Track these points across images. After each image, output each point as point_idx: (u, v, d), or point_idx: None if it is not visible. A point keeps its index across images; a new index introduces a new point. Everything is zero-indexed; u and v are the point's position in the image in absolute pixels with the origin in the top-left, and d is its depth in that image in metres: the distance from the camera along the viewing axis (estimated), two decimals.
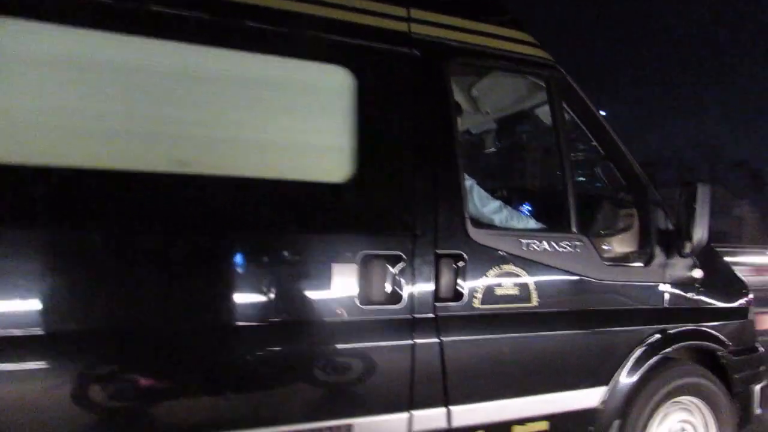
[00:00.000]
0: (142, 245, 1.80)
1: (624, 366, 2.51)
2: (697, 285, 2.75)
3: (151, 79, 1.86)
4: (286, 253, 1.97)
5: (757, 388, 2.97)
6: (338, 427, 1.98)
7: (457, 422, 2.17)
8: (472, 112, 3.36)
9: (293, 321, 1.96)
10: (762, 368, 3.04)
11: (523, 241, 2.31)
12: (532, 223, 2.58)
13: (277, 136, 2.03)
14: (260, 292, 1.93)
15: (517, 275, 2.29)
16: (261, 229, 1.95)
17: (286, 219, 1.99)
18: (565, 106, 2.58)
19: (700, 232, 2.50)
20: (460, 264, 2.18)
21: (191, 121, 1.91)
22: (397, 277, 2.08)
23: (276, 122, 2.04)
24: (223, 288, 1.88)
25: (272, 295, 1.94)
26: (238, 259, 1.92)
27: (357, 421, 2.00)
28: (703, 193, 2.50)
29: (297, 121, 2.06)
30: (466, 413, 2.19)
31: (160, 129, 1.88)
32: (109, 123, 1.80)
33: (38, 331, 1.63)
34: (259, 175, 1.96)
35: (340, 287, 1.99)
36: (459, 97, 3.23)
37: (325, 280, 1.98)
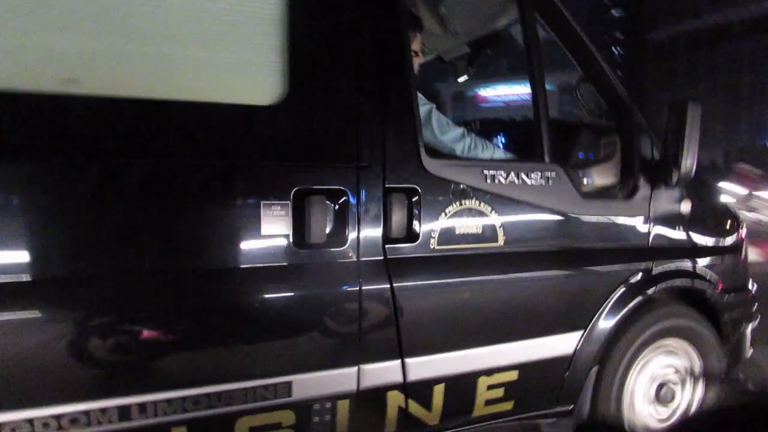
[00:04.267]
0: (24, 175, 1.50)
1: (602, 309, 2.27)
2: (685, 220, 2.49)
3: None
4: (205, 190, 1.68)
5: (749, 328, 2.76)
6: (275, 386, 1.75)
7: (413, 376, 1.95)
8: (442, 35, 3.01)
9: (216, 268, 1.70)
10: (754, 308, 2.83)
11: (487, 172, 2.03)
12: (500, 153, 2.29)
13: (191, 49, 1.71)
14: (176, 234, 1.66)
15: (481, 211, 2.02)
16: (174, 161, 1.65)
17: (203, 149, 1.68)
18: (539, 19, 2.25)
19: (689, 159, 2.22)
20: (414, 199, 1.91)
21: (83, 32, 1.59)
22: (339, 216, 1.81)
23: (191, 33, 1.70)
24: (129, 229, 1.60)
25: (191, 239, 1.67)
26: (148, 196, 1.63)
27: (297, 378, 1.78)
28: (693, 114, 2.20)
29: (217, 31, 1.73)
30: (424, 366, 1.97)
31: (41, 41, 1.55)
32: None
33: None
34: (169, 97, 1.64)
35: (272, 228, 1.72)
36: (426, 16, 2.89)
37: (253, 220, 1.70)
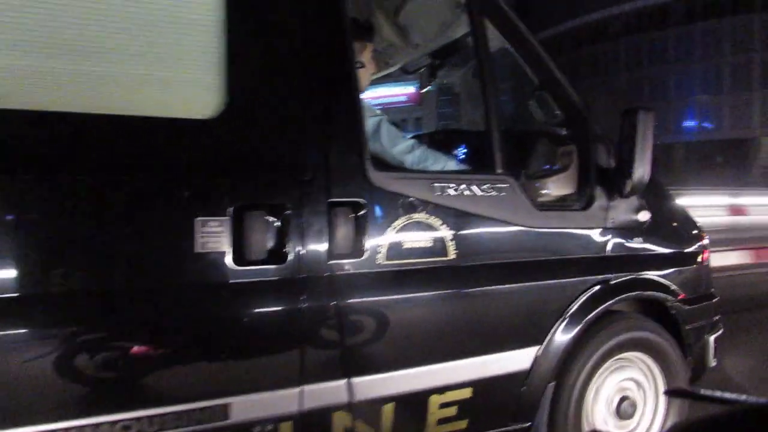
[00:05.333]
0: None
1: (560, 323, 2.22)
2: (644, 229, 2.46)
3: None
4: (138, 206, 1.61)
5: (712, 338, 2.73)
6: (211, 409, 1.68)
7: (360, 395, 1.88)
8: (403, 46, 2.97)
9: (149, 287, 1.63)
10: (717, 317, 2.80)
11: (436, 185, 1.98)
12: (452, 164, 2.24)
13: (121, 60, 1.64)
14: (107, 252, 1.58)
15: (430, 225, 1.97)
16: (109, 176, 1.58)
17: (136, 165, 1.62)
18: (491, 26, 2.22)
19: (640, 168, 2.18)
20: (360, 213, 1.85)
21: (8, 46, 1.51)
22: (280, 231, 1.75)
23: (120, 42, 1.63)
24: (60, 246, 1.53)
25: (124, 256, 1.60)
26: (81, 213, 1.55)
27: (235, 400, 1.70)
28: (644, 121, 2.17)
29: (151, 43, 1.66)
30: (372, 385, 1.90)
31: None
32: None
33: None
34: (103, 111, 1.57)
35: (208, 244, 1.66)
36: (385, 27, 2.85)
37: (188, 237, 1.63)
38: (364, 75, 2.32)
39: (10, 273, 1.47)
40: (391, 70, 3.25)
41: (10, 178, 1.47)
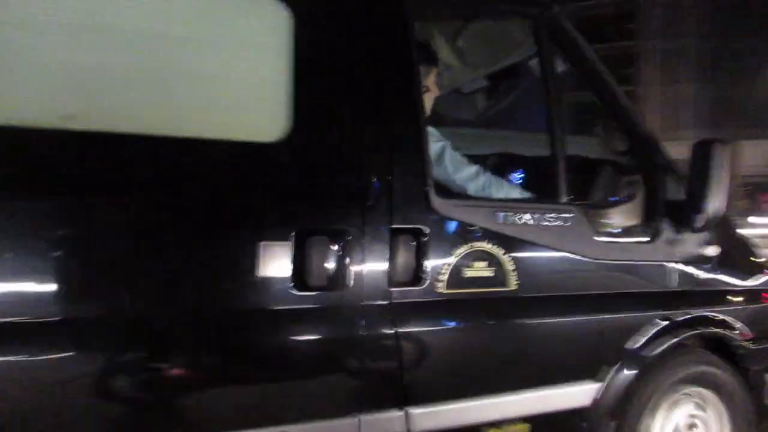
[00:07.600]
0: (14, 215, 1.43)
1: (622, 359, 2.14)
2: (712, 264, 2.36)
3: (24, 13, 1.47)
4: (201, 231, 1.62)
5: None
6: None
7: (417, 426, 1.83)
8: (460, 68, 2.94)
9: (210, 312, 1.62)
10: None
11: (500, 213, 1.94)
12: (516, 192, 2.19)
13: (190, 84, 1.65)
14: (170, 276, 1.58)
15: (492, 254, 1.92)
16: (168, 200, 1.59)
17: (200, 189, 1.62)
18: (558, 52, 2.18)
19: (715, 202, 2.09)
20: (421, 240, 1.82)
21: (80, 66, 1.54)
22: (341, 257, 1.73)
23: (190, 67, 1.64)
24: (120, 271, 1.53)
25: (185, 281, 1.60)
26: (139, 237, 1.56)
27: (291, 429, 1.68)
28: (720, 154, 2.09)
29: (216, 65, 1.67)
30: (429, 416, 1.85)
31: (37, 75, 1.50)
32: None
33: None
34: (165, 133, 1.58)
35: (270, 270, 1.64)
36: (444, 50, 2.82)
37: (250, 262, 1.62)
38: (428, 99, 2.30)
39: (75, 294, 1.48)
40: (443, 92, 3.21)
41: (79, 199, 1.49)
